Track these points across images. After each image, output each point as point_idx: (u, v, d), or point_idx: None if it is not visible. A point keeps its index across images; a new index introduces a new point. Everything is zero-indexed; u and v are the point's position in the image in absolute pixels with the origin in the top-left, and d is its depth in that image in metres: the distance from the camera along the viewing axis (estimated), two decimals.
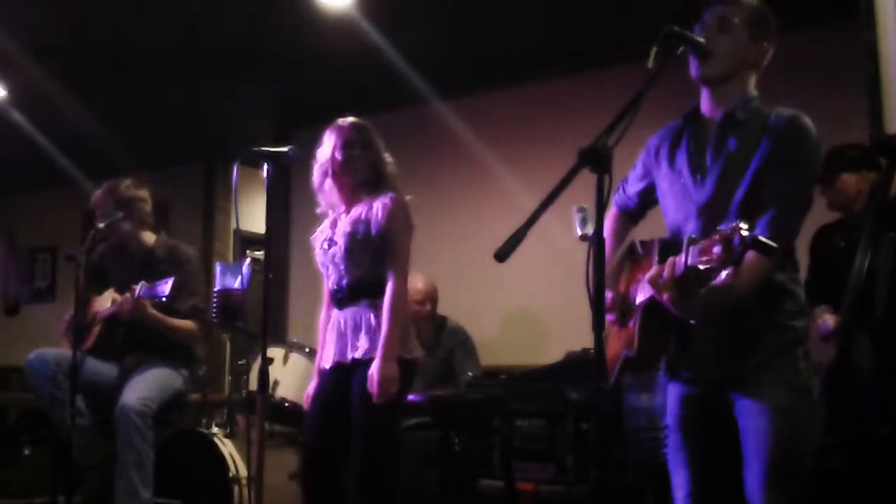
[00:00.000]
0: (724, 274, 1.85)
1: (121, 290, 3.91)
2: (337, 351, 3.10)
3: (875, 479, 2.92)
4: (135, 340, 4.00)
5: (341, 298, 3.12)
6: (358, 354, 3.03)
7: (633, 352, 2.19)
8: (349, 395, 3.02)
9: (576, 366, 3.92)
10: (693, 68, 2.21)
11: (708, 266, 1.82)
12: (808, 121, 2.14)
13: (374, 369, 2.93)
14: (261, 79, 5.70)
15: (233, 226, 6.78)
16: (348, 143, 3.18)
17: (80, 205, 7.58)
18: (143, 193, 4.15)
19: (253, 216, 5.87)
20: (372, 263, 3.09)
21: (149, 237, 4.14)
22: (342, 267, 3.12)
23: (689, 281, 1.93)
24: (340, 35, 4.82)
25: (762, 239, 1.72)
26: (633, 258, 2.38)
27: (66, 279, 7.38)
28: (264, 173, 3.00)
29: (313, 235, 3.29)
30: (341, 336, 3.10)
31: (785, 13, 2.31)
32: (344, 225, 3.15)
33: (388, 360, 2.95)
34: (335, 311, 3.16)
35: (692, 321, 2.04)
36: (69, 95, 5.59)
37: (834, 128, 3.04)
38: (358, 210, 3.15)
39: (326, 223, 3.26)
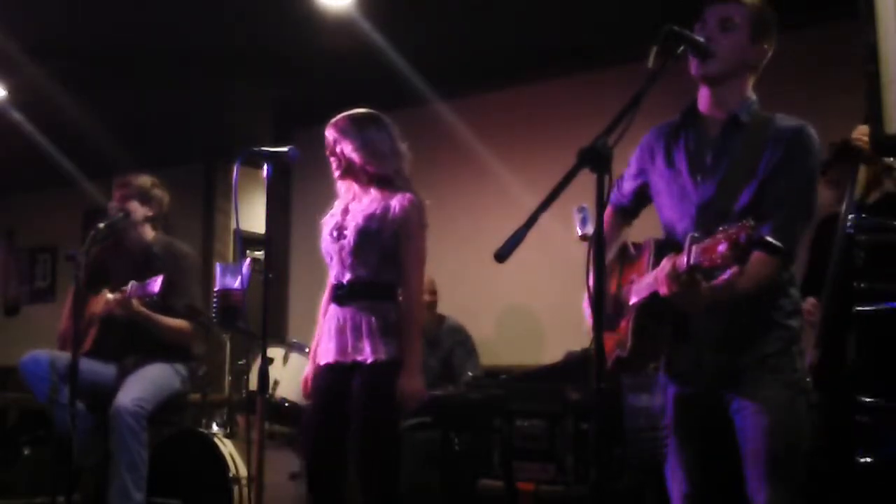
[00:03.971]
0: (728, 273, 1.85)
1: (116, 290, 3.90)
2: (336, 349, 3.03)
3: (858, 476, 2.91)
4: (133, 341, 4.00)
5: (342, 295, 3.05)
6: (360, 357, 2.98)
7: (625, 352, 2.18)
8: (347, 396, 2.99)
9: (576, 366, 3.92)
10: (693, 66, 2.22)
11: (712, 265, 1.83)
12: (813, 131, 2.18)
13: (404, 384, 2.94)
14: (261, 79, 5.70)
15: (233, 226, 6.77)
16: (333, 139, 3.11)
17: (80, 205, 7.65)
18: (164, 192, 4.22)
19: (253, 216, 5.87)
20: (379, 264, 3.03)
21: (149, 233, 4.16)
22: (348, 262, 3.04)
23: (693, 278, 1.93)
24: (340, 35, 4.82)
25: (770, 239, 1.73)
26: (626, 259, 2.38)
27: (66, 279, 7.37)
28: (264, 173, 2.99)
29: (323, 219, 3.19)
30: (340, 334, 3.03)
31: (785, 12, 2.31)
32: (356, 217, 3.05)
33: (417, 374, 2.98)
34: (334, 307, 3.10)
35: (692, 313, 2.05)
36: (69, 95, 5.59)
37: (834, 127, 3.04)
38: (372, 205, 3.06)
39: (338, 207, 3.17)
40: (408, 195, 3.05)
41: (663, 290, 1.99)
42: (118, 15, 4.78)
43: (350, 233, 3.04)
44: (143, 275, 3.81)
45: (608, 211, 2.49)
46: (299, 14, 4.64)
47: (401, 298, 3.05)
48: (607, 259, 2.38)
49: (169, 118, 6.43)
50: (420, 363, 3.02)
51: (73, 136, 6.18)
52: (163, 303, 3.89)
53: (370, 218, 3.03)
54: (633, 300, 2.19)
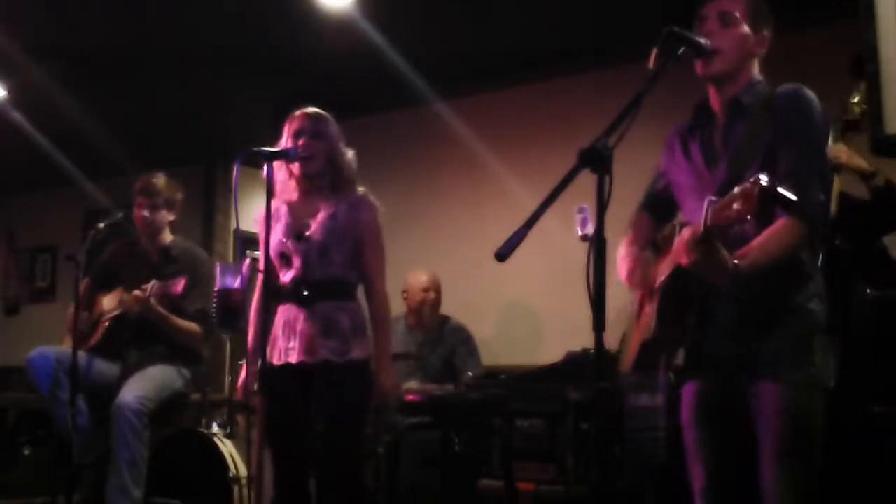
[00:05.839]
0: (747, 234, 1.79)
1: (131, 289, 3.89)
2: (303, 348, 3.04)
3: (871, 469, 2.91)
4: (141, 339, 4.01)
5: (308, 294, 3.07)
6: (332, 356, 3.02)
7: (650, 335, 2.18)
8: (312, 396, 3.04)
9: (576, 366, 3.92)
10: (698, 67, 2.23)
11: (728, 222, 1.84)
12: (810, 92, 2.19)
13: (384, 381, 3.08)
14: (261, 79, 5.70)
15: (233, 226, 6.77)
16: (299, 132, 3.15)
17: (80, 205, 7.64)
18: (180, 191, 4.23)
19: (253, 216, 5.85)
20: (344, 263, 3.11)
21: (167, 235, 4.16)
22: (315, 262, 3.07)
23: (711, 240, 1.94)
24: (340, 35, 4.81)
25: (781, 190, 1.72)
26: (658, 250, 2.39)
27: (66, 279, 7.38)
28: (264, 173, 3.00)
29: (258, 215, 3.13)
30: (306, 334, 3.04)
31: (786, 13, 2.32)
32: (320, 219, 3.09)
33: (394, 370, 3.17)
34: (289, 307, 3.10)
35: (718, 284, 2.04)
36: (69, 95, 5.59)
37: (833, 127, 3.05)
38: (332, 206, 3.11)
39: (282, 212, 3.16)
40: (366, 199, 3.16)
41: (684, 260, 2.00)
42: (118, 15, 4.77)
43: (317, 234, 3.08)
44: (160, 275, 3.82)
45: (635, 216, 2.53)
46: (299, 14, 4.64)
47: (372, 300, 3.15)
48: (643, 258, 2.40)
49: (169, 118, 6.43)
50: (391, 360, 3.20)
51: (73, 136, 6.18)
52: (177, 305, 3.90)
53: (334, 218, 3.09)
54: (657, 281, 2.20)
